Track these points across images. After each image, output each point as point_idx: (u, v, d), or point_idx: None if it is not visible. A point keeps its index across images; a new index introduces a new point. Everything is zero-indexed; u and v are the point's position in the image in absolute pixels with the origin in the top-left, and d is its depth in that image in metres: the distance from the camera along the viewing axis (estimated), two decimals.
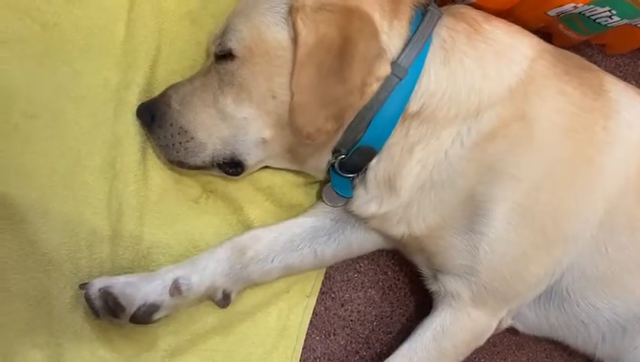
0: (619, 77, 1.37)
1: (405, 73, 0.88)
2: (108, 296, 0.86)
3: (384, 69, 0.86)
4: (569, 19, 1.17)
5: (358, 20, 0.85)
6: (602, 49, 1.37)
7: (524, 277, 0.95)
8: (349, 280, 1.10)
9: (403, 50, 0.89)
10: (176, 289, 0.89)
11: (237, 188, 1.01)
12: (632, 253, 0.98)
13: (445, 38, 0.91)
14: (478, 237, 0.92)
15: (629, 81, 1.43)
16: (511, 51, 0.93)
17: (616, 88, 1.01)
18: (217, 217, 1.00)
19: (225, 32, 0.89)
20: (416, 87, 0.89)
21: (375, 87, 0.87)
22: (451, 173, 0.92)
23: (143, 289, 0.88)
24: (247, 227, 1.01)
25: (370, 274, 1.12)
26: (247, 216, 1.01)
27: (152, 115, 0.93)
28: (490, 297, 0.96)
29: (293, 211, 1.04)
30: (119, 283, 0.88)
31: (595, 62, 1.38)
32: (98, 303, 0.86)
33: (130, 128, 0.96)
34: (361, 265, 1.11)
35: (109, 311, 0.86)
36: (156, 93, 0.97)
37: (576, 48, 1.35)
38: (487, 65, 0.91)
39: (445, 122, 0.91)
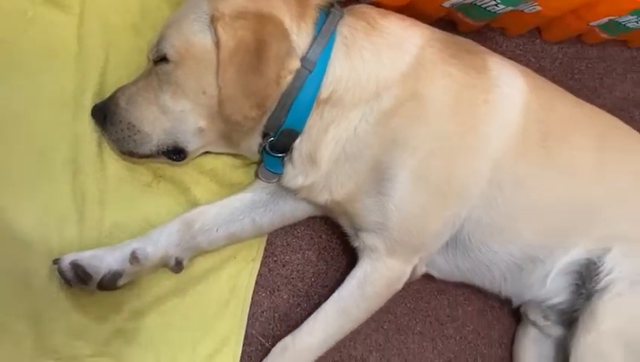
0: (519, 54, 1.60)
1: (314, 66, 1.05)
2: (77, 267, 1.03)
3: (295, 63, 1.04)
4: (464, 8, 1.36)
5: (271, 25, 1.02)
6: (502, 31, 1.56)
7: (426, 229, 1.13)
8: (288, 244, 1.28)
9: (310, 46, 1.05)
10: (134, 258, 1.06)
11: (183, 172, 1.18)
12: (518, 203, 1.16)
13: (346, 35, 1.08)
14: (386, 198, 1.10)
15: (528, 57, 1.62)
16: (403, 42, 1.11)
17: (497, 66, 1.18)
18: (168, 198, 1.17)
19: (160, 41, 1.06)
20: (324, 77, 1.07)
21: (289, 78, 1.04)
22: (360, 146, 1.09)
23: (106, 260, 1.05)
24: (195, 205, 1.17)
25: (307, 238, 1.30)
26: (193, 196, 1.18)
27: (105, 115, 1.09)
28: (401, 247, 1.14)
29: (234, 189, 1.21)
30: (86, 256, 1.04)
31: (497, 43, 1.58)
32: (69, 274, 1.03)
33: (87, 127, 1.12)
34: (298, 230, 1.29)
35: (79, 280, 1.03)
36: (107, 95, 1.14)
37: (480, 32, 1.54)
38: (382, 55, 1.08)
39: (352, 104, 1.08)
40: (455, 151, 1.11)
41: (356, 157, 1.10)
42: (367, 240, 1.15)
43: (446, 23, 1.46)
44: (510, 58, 1.29)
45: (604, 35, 1.56)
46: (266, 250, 1.25)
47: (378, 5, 1.20)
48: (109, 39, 1.17)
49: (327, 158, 1.11)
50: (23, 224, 1.07)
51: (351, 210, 1.14)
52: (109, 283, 1.05)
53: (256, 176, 1.21)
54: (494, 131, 1.13)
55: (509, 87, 1.17)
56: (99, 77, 1.15)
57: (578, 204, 1.19)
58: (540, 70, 1.60)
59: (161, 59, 1.05)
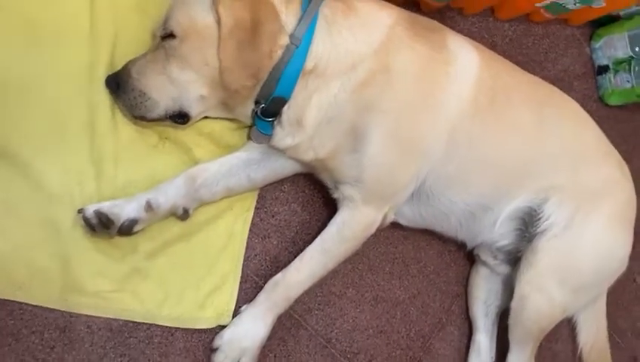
0: (474, 31, 1.81)
1: (300, 42, 1.23)
2: (101, 215, 1.20)
3: (284, 40, 1.22)
4: None
5: (264, 6, 1.19)
6: (461, 11, 1.76)
7: (396, 181, 1.34)
8: (276, 198, 1.47)
9: (297, 25, 1.23)
10: (149, 206, 1.24)
11: (185, 134, 1.35)
12: (471, 159, 1.36)
13: (327, 15, 1.26)
14: (360, 155, 1.28)
15: (482, 34, 1.82)
16: (375, 21, 1.29)
17: (455, 42, 1.38)
18: (172, 157, 1.34)
19: (167, 19, 1.22)
20: (309, 52, 1.24)
21: (279, 53, 1.22)
22: (339, 111, 1.28)
23: (125, 208, 1.23)
24: (196, 163, 1.35)
25: (293, 193, 1.49)
26: (195, 155, 1.35)
27: (117, 84, 1.25)
28: (374, 197, 1.33)
29: (230, 149, 1.39)
30: (107, 205, 1.22)
31: (456, 22, 1.78)
32: (94, 221, 1.20)
33: (102, 95, 1.28)
34: (285, 186, 1.48)
35: (103, 226, 1.20)
36: (118, 67, 1.29)
37: (442, 12, 1.73)
38: (357, 33, 1.27)
39: (332, 75, 1.26)
40: (419, 114, 1.30)
41: (336, 121, 1.29)
42: (345, 191, 1.34)
43: (411, 3, 1.65)
44: (467, 35, 1.47)
45: (548, 15, 1.78)
46: (257, 202, 1.44)
47: None
48: (118, 17, 1.32)
49: (312, 122, 1.29)
50: (49, 179, 1.23)
51: (331, 166, 1.33)
52: (127, 229, 1.23)
53: (249, 138, 1.40)
54: (452, 97, 1.32)
55: (465, 60, 1.36)
56: (110, 51, 1.30)
57: (520, 158, 1.41)
58: (493, 45, 1.82)
59: (168, 36, 1.21)
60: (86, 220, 1.21)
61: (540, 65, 1.88)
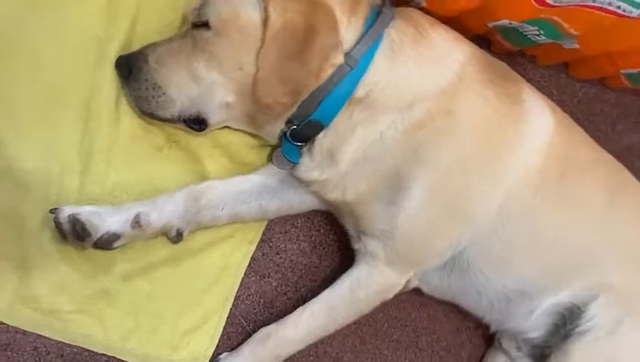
0: (543, 85, 1.60)
1: (356, 63, 1.02)
2: (76, 221, 0.98)
3: (339, 58, 1.00)
4: (505, 31, 1.34)
5: (323, 13, 0.98)
6: (533, 59, 1.55)
7: (431, 246, 1.14)
8: (286, 232, 1.26)
9: (356, 43, 1.03)
10: (136, 223, 1.03)
11: (198, 142, 1.14)
12: (522, 236, 1.16)
13: (394, 39, 1.05)
14: (397, 208, 1.08)
15: (551, 89, 1.63)
16: (446, 57, 1.09)
17: (530, 98, 1.18)
18: (177, 165, 1.13)
19: (204, 4, 1.00)
20: (363, 77, 1.04)
21: (329, 72, 1.01)
22: (383, 152, 1.07)
23: (107, 219, 1.01)
24: (203, 177, 1.14)
25: (305, 230, 1.28)
26: (204, 168, 1.14)
27: (130, 68, 1.03)
28: (402, 259, 1.13)
29: (246, 168, 1.18)
30: (86, 212, 1.00)
31: (525, 70, 1.58)
32: (66, 227, 0.99)
33: (108, 77, 1.06)
34: (299, 221, 1.27)
35: (76, 236, 0.99)
36: (134, 48, 1.07)
37: (511, 55, 1.53)
38: (424, 67, 1.06)
39: (384, 109, 1.06)
40: (475, 174, 1.10)
41: (376, 162, 1.08)
42: (369, 245, 1.14)
43: (480, 39, 1.44)
44: (534, 86, 1.29)
45: (627, 83, 1.57)
46: (263, 234, 1.23)
47: (427, 12, 1.17)
48: None
49: (348, 158, 1.09)
50: (24, 164, 1.02)
51: (359, 212, 1.13)
52: (106, 243, 1.01)
53: (270, 160, 1.18)
54: (516, 162, 1.13)
55: (538, 121, 1.17)
56: (129, 26, 1.09)
57: (579, 247, 1.21)
58: (559, 104, 1.59)
59: (202, 25, 1.00)
60: (57, 224, 0.99)
61: (604, 136, 1.67)
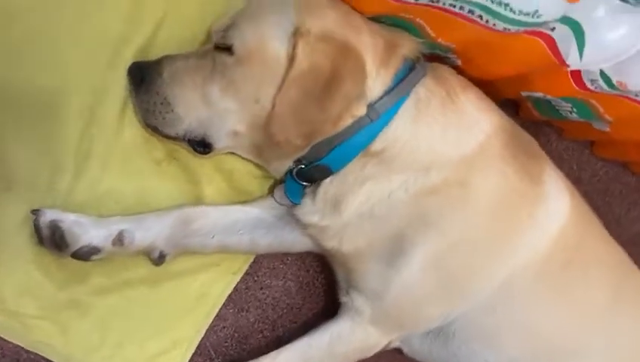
0: (565, 158, 1.55)
1: (378, 117, 0.97)
2: (56, 229, 0.93)
3: (361, 110, 0.95)
4: (537, 101, 1.29)
5: (352, 60, 0.93)
6: (559, 130, 1.50)
7: (421, 313, 1.08)
8: (274, 268, 1.21)
9: (382, 96, 0.97)
10: (119, 240, 0.97)
11: (200, 163, 1.08)
12: (515, 318, 1.11)
13: (421, 98, 1.00)
14: (394, 271, 1.03)
15: (572, 164, 1.58)
16: (473, 125, 1.03)
17: (551, 180, 1.13)
18: (173, 183, 1.07)
19: (231, 28, 0.95)
20: (383, 132, 0.99)
21: (348, 121, 0.96)
22: (389, 211, 1.02)
23: (89, 232, 0.96)
24: (198, 200, 1.09)
25: (294, 268, 1.22)
26: (201, 191, 1.09)
27: (142, 78, 0.98)
28: (388, 321, 1.08)
29: (244, 197, 1.13)
30: (69, 221, 0.95)
31: (549, 140, 1.52)
32: (45, 232, 0.94)
33: (119, 80, 1.00)
34: (289, 258, 1.21)
35: (54, 244, 0.94)
36: (151, 55, 1.02)
37: (538, 124, 1.48)
38: (448, 132, 1.01)
39: (399, 168, 1.01)
40: (480, 251, 1.05)
41: (381, 221, 1.03)
42: (356, 301, 1.08)
43: (509, 105, 1.39)
44: (555, 158, 1.23)
45: None
46: (249, 266, 1.17)
47: (461, 72, 1.11)
48: None
49: (352, 210, 1.03)
50: (14, 155, 0.97)
51: (354, 266, 1.07)
52: (83, 255, 0.96)
53: (271, 192, 1.13)
54: (524, 244, 1.07)
55: (555, 206, 1.11)
56: (151, 31, 1.03)
57: (572, 342, 1.15)
58: (577, 180, 1.55)
59: (225, 48, 0.94)
60: (37, 227, 0.94)
61: (616, 220, 1.62)
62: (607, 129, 1.30)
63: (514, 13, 0.83)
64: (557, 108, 1.26)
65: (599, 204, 1.62)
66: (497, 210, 1.05)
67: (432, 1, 0.87)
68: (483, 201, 1.04)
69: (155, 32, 1.04)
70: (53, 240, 0.94)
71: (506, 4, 0.82)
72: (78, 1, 0.99)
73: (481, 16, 0.87)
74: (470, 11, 0.87)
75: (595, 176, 1.59)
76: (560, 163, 1.29)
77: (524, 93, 1.23)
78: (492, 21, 0.87)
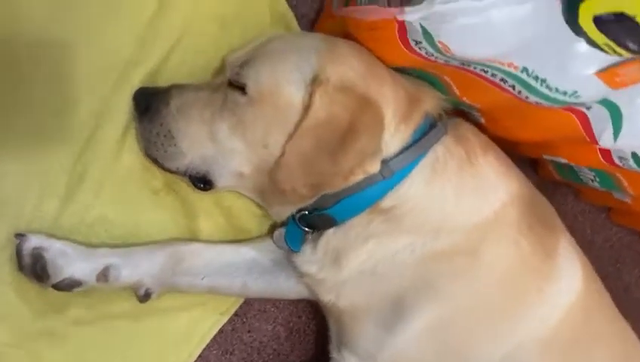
0: (579, 221, 1.49)
1: (391, 175, 0.91)
2: (39, 259, 0.88)
3: (374, 167, 0.89)
4: (559, 165, 1.23)
5: (371, 115, 0.87)
6: (577, 193, 1.44)
7: None
8: (264, 311, 1.15)
9: (398, 153, 0.92)
10: (104, 275, 0.92)
11: (199, 197, 1.02)
12: None
13: (439, 158, 0.94)
14: (390, 335, 0.97)
15: (586, 227, 1.52)
16: (490, 192, 0.97)
17: (565, 254, 1.06)
18: (169, 215, 1.01)
19: (246, 65, 0.89)
20: (394, 189, 0.93)
21: (360, 177, 0.90)
22: (392, 272, 0.96)
23: (73, 264, 0.90)
24: (194, 235, 1.03)
25: (286, 313, 1.16)
26: (197, 225, 1.03)
27: (148, 106, 0.93)
28: None
29: (242, 235, 1.07)
30: (53, 249, 0.89)
31: (565, 200, 1.47)
32: (27, 261, 0.88)
33: (122, 104, 0.95)
34: (281, 301, 1.15)
35: (34, 274, 0.88)
36: (160, 80, 0.97)
37: (557, 185, 1.41)
38: (464, 198, 0.95)
39: (406, 229, 0.95)
40: (484, 323, 0.99)
41: (382, 280, 0.97)
42: (346, 360, 1.02)
43: (528, 163, 1.33)
44: (570, 219, 1.18)
45: None
46: (239, 307, 1.11)
47: (483, 129, 1.05)
48: (192, 19, 0.99)
49: (353, 266, 0.98)
50: (3, 172, 0.91)
51: (348, 322, 1.01)
52: (65, 287, 0.90)
53: (270, 233, 1.07)
54: (531, 322, 1.01)
55: (567, 283, 1.05)
56: (163, 54, 0.98)
57: None
58: (590, 243, 1.50)
59: (239, 86, 0.89)
60: (19, 255, 0.88)
61: (625, 288, 1.55)
62: (628, 200, 1.24)
63: (550, 90, 0.78)
64: (579, 174, 1.20)
65: (610, 270, 1.56)
66: (506, 283, 0.99)
67: (463, 64, 0.81)
68: (492, 272, 0.98)
69: (167, 56, 0.98)
70: (34, 269, 0.88)
71: (543, 80, 0.77)
72: (93, 16, 0.94)
73: (513, 87, 0.82)
74: (503, 80, 0.81)
75: (608, 241, 1.53)
76: (574, 225, 1.25)
77: (546, 157, 1.17)
78: (525, 93, 0.82)
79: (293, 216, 0.99)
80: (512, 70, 0.77)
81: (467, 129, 1.02)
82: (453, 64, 0.82)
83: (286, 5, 1.07)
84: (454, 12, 0.68)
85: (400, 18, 0.77)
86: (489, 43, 0.72)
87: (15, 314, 0.93)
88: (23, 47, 0.92)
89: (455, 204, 0.95)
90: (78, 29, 0.93)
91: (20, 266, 0.89)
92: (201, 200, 1.03)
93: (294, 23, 1.08)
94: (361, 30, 0.88)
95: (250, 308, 1.13)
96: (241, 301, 1.11)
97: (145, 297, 0.97)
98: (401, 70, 0.96)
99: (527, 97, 0.84)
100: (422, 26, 0.74)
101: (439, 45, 0.75)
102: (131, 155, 0.98)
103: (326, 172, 0.88)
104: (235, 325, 1.12)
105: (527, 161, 1.31)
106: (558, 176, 1.30)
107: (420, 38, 0.76)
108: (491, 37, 0.71)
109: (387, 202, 0.94)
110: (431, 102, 0.95)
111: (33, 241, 0.89)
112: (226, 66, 0.96)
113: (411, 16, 0.74)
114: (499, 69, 0.78)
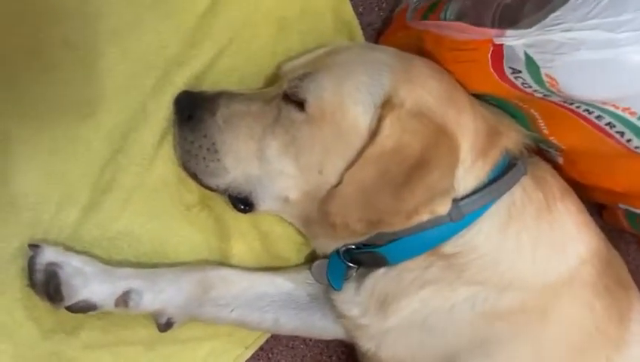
0: None
1: (461, 218, 0.79)
2: (53, 277, 0.77)
3: (443, 208, 0.77)
4: (631, 215, 1.10)
5: (446, 147, 0.76)
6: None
7: None
8: (293, 347, 1.04)
9: (471, 194, 0.80)
10: (123, 301, 0.81)
11: (235, 217, 0.91)
12: None
13: (516, 202, 0.82)
14: None
15: None
16: (568, 246, 0.85)
17: (638, 319, 0.95)
18: (201, 234, 0.91)
19: (308, 79, 0.78)
20: (461, 234, 0.81)
21: (423, 218, 0.79)
22: (446, 327, 0.85)
23: (90, 286, 0.79)
24: (225, 257, 0.92)
25: (315, 351, 1.05)
26: (230, 247, 0.92)
27: (191, 114, 0.82)
28: None
29: (277, 262, 0.96)
30: (70, 267, 0.78)
31: (628, 250, 1.33)
32: (39, 277, 0.77)
33: (162, 109, 0.85)
34: (312, 339, 1.05)
35: (47, 294, 0.78)
36: (206, 84, 0.87)
37: (620, 230, 1.30)
38: (539, 250, 0.83)
39: (469, 280, 0.83)
40: None
41: (433, 335, 0.86)
42: None
43: (594, 207, 1.21)
44: (632, 270, 1.05)
45: None
46: (266, 341, 1.00)
47: (559, 171, 0.93)
48: (247, 19, 0.89)
49: (401, 315, 0.86)
50: (22, 177, 0.81)
51: None
52: (79, 310, 0.80)
53: (309, 261, 0.96)
54: None
55: (636, 352, 0.93)
56: (211, 57, 0.87)
57: None
58: None
59: (296, 101, 0.78)
60: (31, 269, 0.78)
61: None
62: None
63: None
64: None
65: None
66: (574, 351, 0.87)
67: (565, 101, 0.69)
68: (560, 338, 0.85)
69: (216, 59, 0.88)
70: (46, 289, 0.77)
71: None
72: (136, 8, 0.83)
73: (622, 133, 0.69)
74: (610, 124, 0.68)
75: None
76: (636, 276, 1.12)
77: (621, 206, 1.05)
78: (636, 142, 0.69)
79: (337, 251, 0.88)
80: (626, 115, 0.65)
81: (545, 171, 0.90)
82: (550, 99, 0.70)
83: (352, 12, 0.96)
84: (577, 43, 0.56)
85: (498, 42, 0.65)
86: (613, 85, 0.60)
87: (22, 334, 0.82)
88: (60, 46, 0.82)
89: (529, 258, 0.83)
90: (118, 19, 0.83)
91: (32, 283, 0.78)
92: (236, 219, 0.92)
93: (359, 32, 0.97)
94: (443, 49, 0.76)
95: (278, 343, 1.02)
96: (269, 335, 1.01)
97: (166, 326, 0.86)
98: (478, 96, 0.84)
99: (629, 140, 0.72)
100: (526, 54, 0.62)
101: (545, 78, 0.63)
102: (166, 165, 0.87)
103: (387, 208, 0.76)
104: (260, 359, 1.01)
105: (594, 204, 1.20)
106: (627, 226, 1.17)
107: (521, 67, 0.64)
108: (619, 79, 0.58)
109: (450, 247, 0.82)
110: (512, 138, 0.83)
111: (48, 255, 0.78)
112: (281, 76, 0.85)
113: (514, 41, 0.62)
114: (609, 112, 0.66)
